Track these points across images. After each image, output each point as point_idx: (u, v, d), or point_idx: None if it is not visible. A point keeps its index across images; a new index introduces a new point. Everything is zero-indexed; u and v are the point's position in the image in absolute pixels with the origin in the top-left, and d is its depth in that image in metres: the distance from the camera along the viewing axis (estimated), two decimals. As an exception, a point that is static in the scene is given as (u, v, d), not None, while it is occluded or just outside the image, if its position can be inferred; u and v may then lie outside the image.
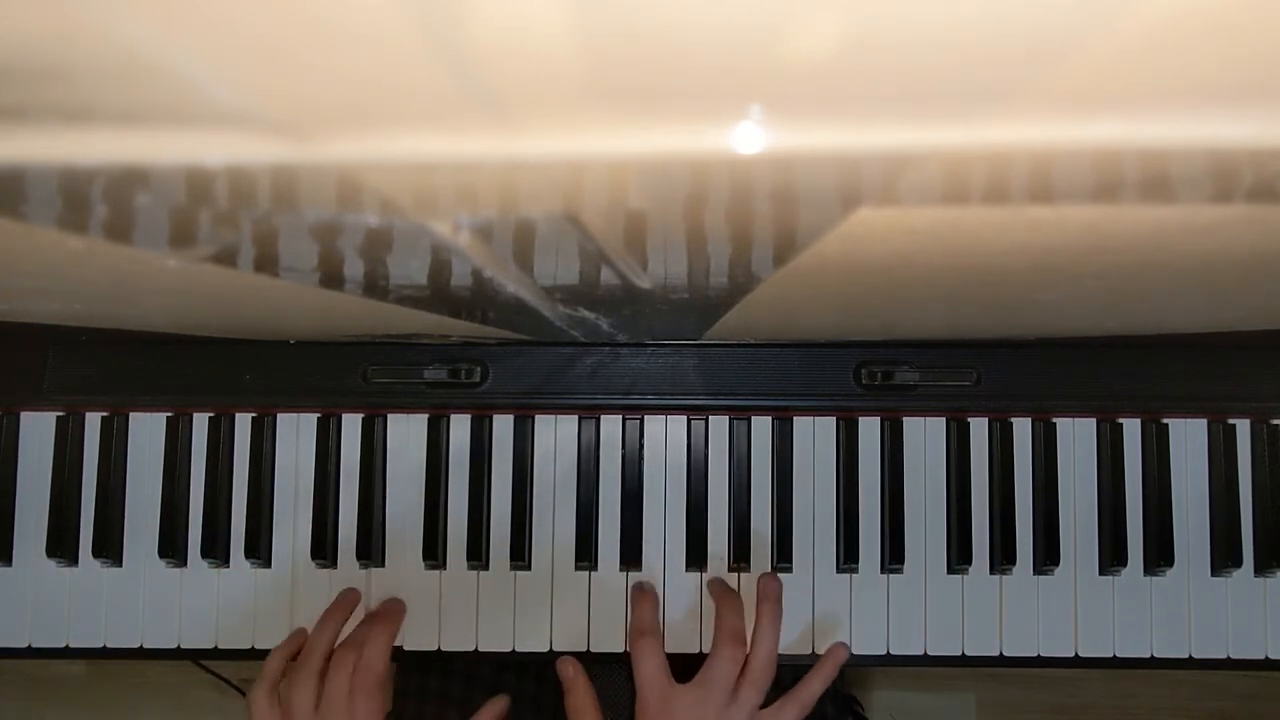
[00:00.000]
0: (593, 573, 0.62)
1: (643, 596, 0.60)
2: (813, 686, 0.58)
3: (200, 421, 0.64)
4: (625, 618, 0.62)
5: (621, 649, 0.62)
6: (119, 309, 0.50)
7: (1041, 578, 0.62)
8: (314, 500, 0.63)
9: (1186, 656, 0.62)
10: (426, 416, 0.63)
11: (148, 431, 0.63)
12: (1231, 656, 0.62)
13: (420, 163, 0.23)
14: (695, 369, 0.61)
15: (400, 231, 0.30)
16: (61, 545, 0.62)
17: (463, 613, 0.62)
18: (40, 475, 0.63)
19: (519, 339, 0.60)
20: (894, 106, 0.21)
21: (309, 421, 0.63)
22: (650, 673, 0.55)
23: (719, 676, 0.55)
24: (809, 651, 0.61)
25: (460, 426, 0.63)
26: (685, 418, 0.63)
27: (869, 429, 0.63)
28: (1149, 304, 0.45)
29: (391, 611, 0.60)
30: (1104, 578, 0.62)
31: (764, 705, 0.56)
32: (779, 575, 0.61)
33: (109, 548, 0.62)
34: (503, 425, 0.63)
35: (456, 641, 0.62)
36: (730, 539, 0.62)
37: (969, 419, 0.63)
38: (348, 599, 0.61)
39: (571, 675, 0.58)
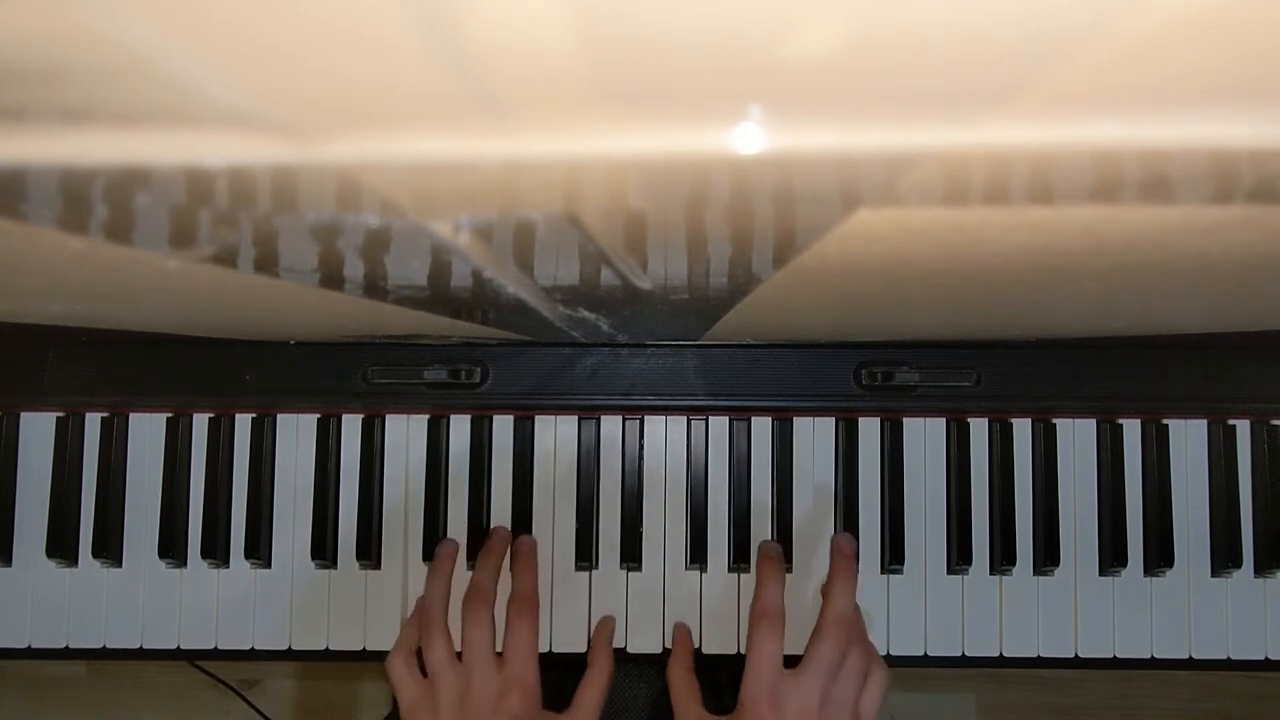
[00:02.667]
0: (593, 572, 0.62)
1: (773, 572, 0.57)
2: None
3: (200, 422, 0.64)
4: (625, 618, 0.62)
5: (620, 648, 0.62)
6: (119, 309, 0.50)
7: (1041, 578, 0.62)
8: (314, 500, 0.63)
9: (1186, 657, 0.62)
10: (426, 417, 0.63)
11: (148, 432, 0.63)
12: (1231, 657, 0.62)
13: (420, 163, 0.23)
14: (695, 369, 0.61)
15: (400, 232, 0.30)
16: (61, 545, 0.62)
17: (463, 613, 0.62)
18: (40, 475, 0.63)
19: (519, 339, 0.60)
20: (894, 106, 0.21)
21: (309, 422, 0.63)
22: (768, 654, 0.53)
23: (827, 659, 0.54)
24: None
25: (460, 427, 0.63)
26: (685, 418, 0.63)
27: (869, 429, 0.63)
28: (1149, 304, 0.45)
29: (495, 544, 0.60)
30: (1104, 578, 0.62)
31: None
32: None
33: (109, 548, 0.62)
34: (503, 426, 0.63)
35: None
36: (730, 539, 0.62)
37: (969, 419, 0.63)
38: (447, 551, 0.60)
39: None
